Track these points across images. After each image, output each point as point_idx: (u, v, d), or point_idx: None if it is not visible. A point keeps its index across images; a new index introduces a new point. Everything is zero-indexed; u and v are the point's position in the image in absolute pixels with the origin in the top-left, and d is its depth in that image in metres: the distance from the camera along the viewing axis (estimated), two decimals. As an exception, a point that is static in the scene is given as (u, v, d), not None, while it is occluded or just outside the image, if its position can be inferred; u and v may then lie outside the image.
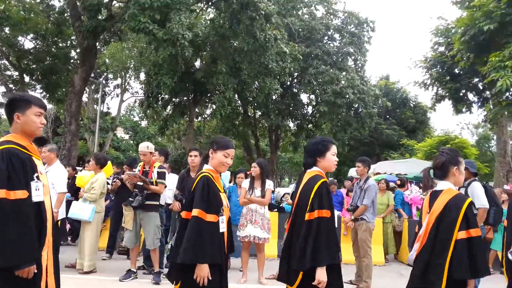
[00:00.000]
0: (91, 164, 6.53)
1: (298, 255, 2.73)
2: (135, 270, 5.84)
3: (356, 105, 21.51)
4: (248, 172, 6.97)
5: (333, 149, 3.03)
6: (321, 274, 2.69)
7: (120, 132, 36.67)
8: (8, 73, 20.30)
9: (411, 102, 31.19)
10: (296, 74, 21.42)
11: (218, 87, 16.57)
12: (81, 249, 6.07)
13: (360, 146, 28.07)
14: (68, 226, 8.21)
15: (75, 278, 5.70)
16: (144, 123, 35.41)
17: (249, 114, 22.68)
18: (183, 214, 2.83)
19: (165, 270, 6.17)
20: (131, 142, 35.11)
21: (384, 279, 6.58)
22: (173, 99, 18.69)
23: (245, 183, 6.24)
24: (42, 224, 2.52)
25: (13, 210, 2.37)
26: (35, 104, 2.61)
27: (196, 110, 20.52)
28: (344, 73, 20.99)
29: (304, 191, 2.91)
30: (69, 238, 8.44)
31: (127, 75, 29.39)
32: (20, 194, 2.41)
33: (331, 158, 3.01)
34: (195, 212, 2.71)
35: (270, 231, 6.08)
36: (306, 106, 23.48)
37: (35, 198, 2.51)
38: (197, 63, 18.83)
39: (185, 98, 18.69)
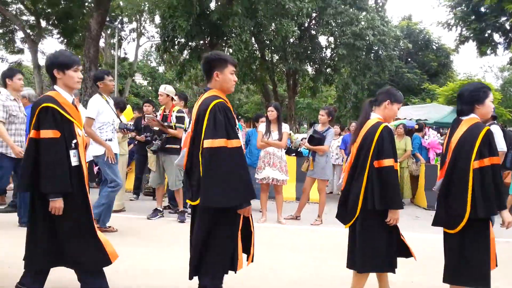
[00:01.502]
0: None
1: (482, 201, 2.79)
2: (161, 209, 6.15)
3: (376, 48, 20.89)
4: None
5: (491, 95, 3.08)
6: (509, 216, 2.88)
7: (139, 78, 36.73)
8: (24, 18, 20.20)
9: (433, 44, 30.14)
10: (314, 14, 20.74)
11: (234, 30, 16.23)
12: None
13: (379, 90, 27.60)
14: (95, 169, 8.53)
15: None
16: (161, 69, 35.30)
17: (266, 58, 22.32)
18: (375, 163, 2.95)
19: (189, 210, 6.48)
20: (150, 88, 35.23)
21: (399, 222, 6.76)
22: (190, 43, 18.43)
23: (262, 127, 6.31)
24: None
25: (232, 157, 2.65)
26: (230, 63, 2.87)
27: (213, 54, 20.26)
28: (364, 13, 20.21)
29: (465, 139, 2.91)
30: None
31: (142, 19, 28.90)
32: (235, 143, 2.69)
33: (490, 104, 3.06)
34: (389, 162, 2.90)
35: (288, 173, 6.24)
36: (324, 49, 22.91)
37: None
38: (212, 4, 18.36)
39: (201, 41, 18.41)
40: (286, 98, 25.70)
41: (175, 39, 17.45)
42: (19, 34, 20.22)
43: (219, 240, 2.75)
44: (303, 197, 6.49)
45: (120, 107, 6.47)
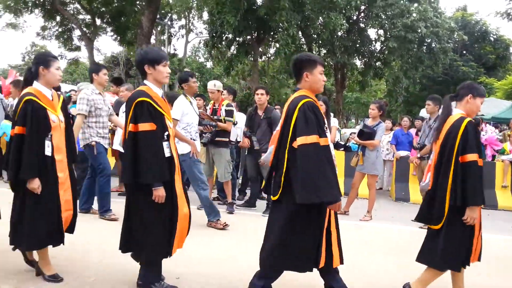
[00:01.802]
0: (163, 103, 6.89)
1: None
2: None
3: (429, 40, 20.13)
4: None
5: None
6: None
7: (187, 73, 37.53)
8: (81, 17, 21.23)
9: (491, 35, 28.57)
10: (363, 7, 20.28)
11: (282, 24, 16.21)
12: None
13: (433, 84, 26.56)
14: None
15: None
16: (209, 64, 35.90)
17: (313, 52, 22.12)
18: (460, 159, 2.86)
19: (237, 202, 6.58)
20: (198, 83, 35.97)
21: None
22: (237, 39, 18.62)
23: (333, 122, 6.29)
24: None
25: (324, 154, 2.69)
26: (319, 63, 2.91)
27: (260, 49, 20.35)
28: (415, 4, 19.51)
29: None
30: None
31: (191, 15, 29.50)
32: (324, 141, 2.73)
33: None
34: (473, 157, 2.81)
35: (337, 168, 6.16)
36: (374, 42, 22.36)
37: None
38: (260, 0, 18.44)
39: (248, 37, 18.54)
40: (334, 92, 25.36)
41: (223, 35, 17.68)
42: (76, 32, 21.27)
43: (301, 236, 2.78)
44: (352, 192, 6.39)
45: (172, 102, 6.65)
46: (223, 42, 18.55)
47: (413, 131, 8.90)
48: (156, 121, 2.88)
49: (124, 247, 3.02)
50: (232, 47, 19.53)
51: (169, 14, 28.08)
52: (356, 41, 21.21)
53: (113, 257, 3.51)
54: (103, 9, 20.03)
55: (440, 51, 20.42)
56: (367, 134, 6.09)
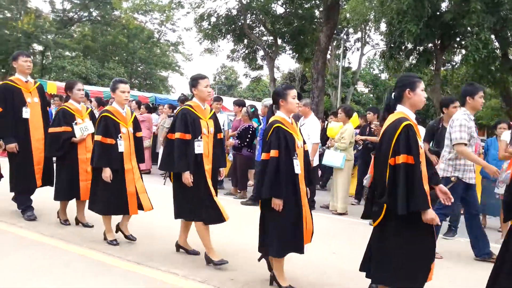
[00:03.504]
0: (340, 116, 7.00)
1: None
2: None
3: None
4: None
5: None
6: None
7: (360, 86, 37.19)
8: (264, 38, 23.12)
9: None
10: None
11: (471, 29, 14.67)
12: (334, 193, 6.70)
13: None
14: (319, 172, 9.12)
15: (329, 217, 6.39)
16: (384, 76, 34.85)
17: (509, 57, 19.30)
18: None
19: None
20: (371, 95, 35.23)
21: None
22: (417, 47, 17.60)
23: (506, 135, 5.59)
24: None
25: None
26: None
27: (443, 57, 18.82)
28: None
29: None
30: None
31: (367, 28, 29.13)
32: None
33: None
34: None
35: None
36: None
37: None
38: (444, 4, 17.06)
39: (430, 45, 17.34)
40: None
41: (402, 45, 16.97)
42: (260, 53, 23.24)
43: None
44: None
45: (349, 115, 6.76)
46: (401, 52, 17.78)
47: None
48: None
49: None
50: (411, 57, 18.55)
51: (345, 29, 28.30)
52: None
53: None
54: (284, 29, 21.45)
55: None
56: None
